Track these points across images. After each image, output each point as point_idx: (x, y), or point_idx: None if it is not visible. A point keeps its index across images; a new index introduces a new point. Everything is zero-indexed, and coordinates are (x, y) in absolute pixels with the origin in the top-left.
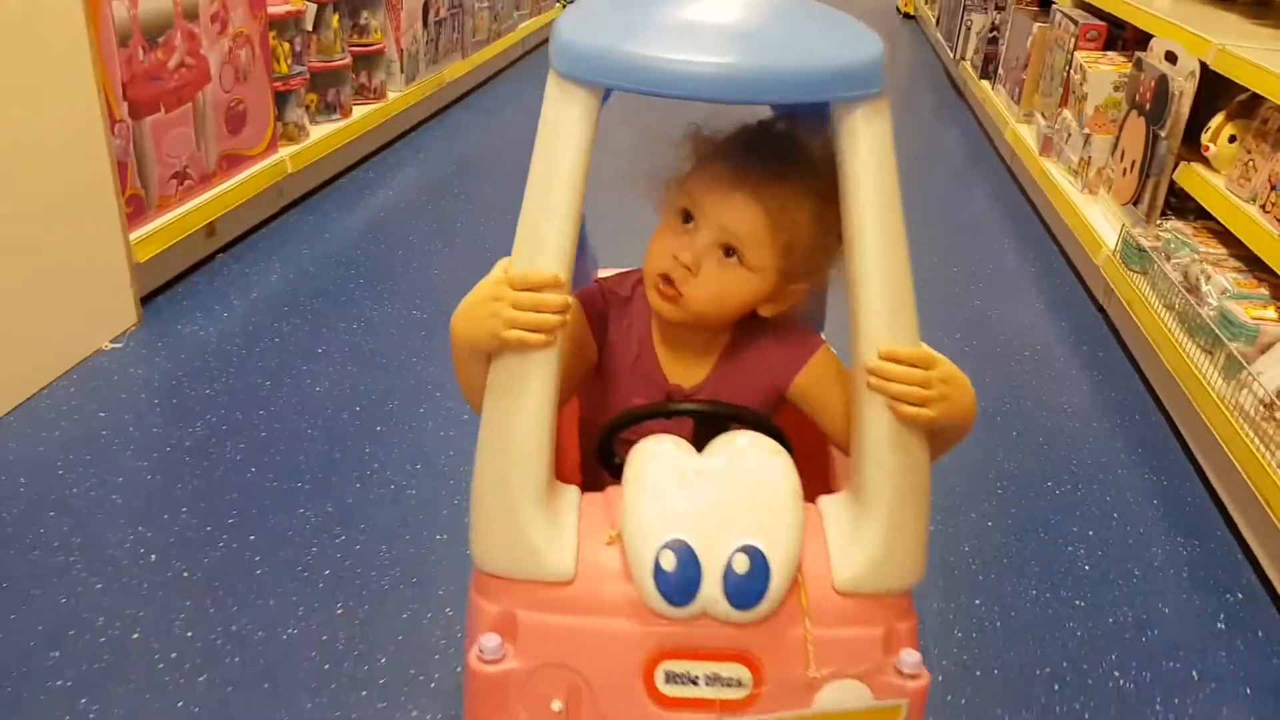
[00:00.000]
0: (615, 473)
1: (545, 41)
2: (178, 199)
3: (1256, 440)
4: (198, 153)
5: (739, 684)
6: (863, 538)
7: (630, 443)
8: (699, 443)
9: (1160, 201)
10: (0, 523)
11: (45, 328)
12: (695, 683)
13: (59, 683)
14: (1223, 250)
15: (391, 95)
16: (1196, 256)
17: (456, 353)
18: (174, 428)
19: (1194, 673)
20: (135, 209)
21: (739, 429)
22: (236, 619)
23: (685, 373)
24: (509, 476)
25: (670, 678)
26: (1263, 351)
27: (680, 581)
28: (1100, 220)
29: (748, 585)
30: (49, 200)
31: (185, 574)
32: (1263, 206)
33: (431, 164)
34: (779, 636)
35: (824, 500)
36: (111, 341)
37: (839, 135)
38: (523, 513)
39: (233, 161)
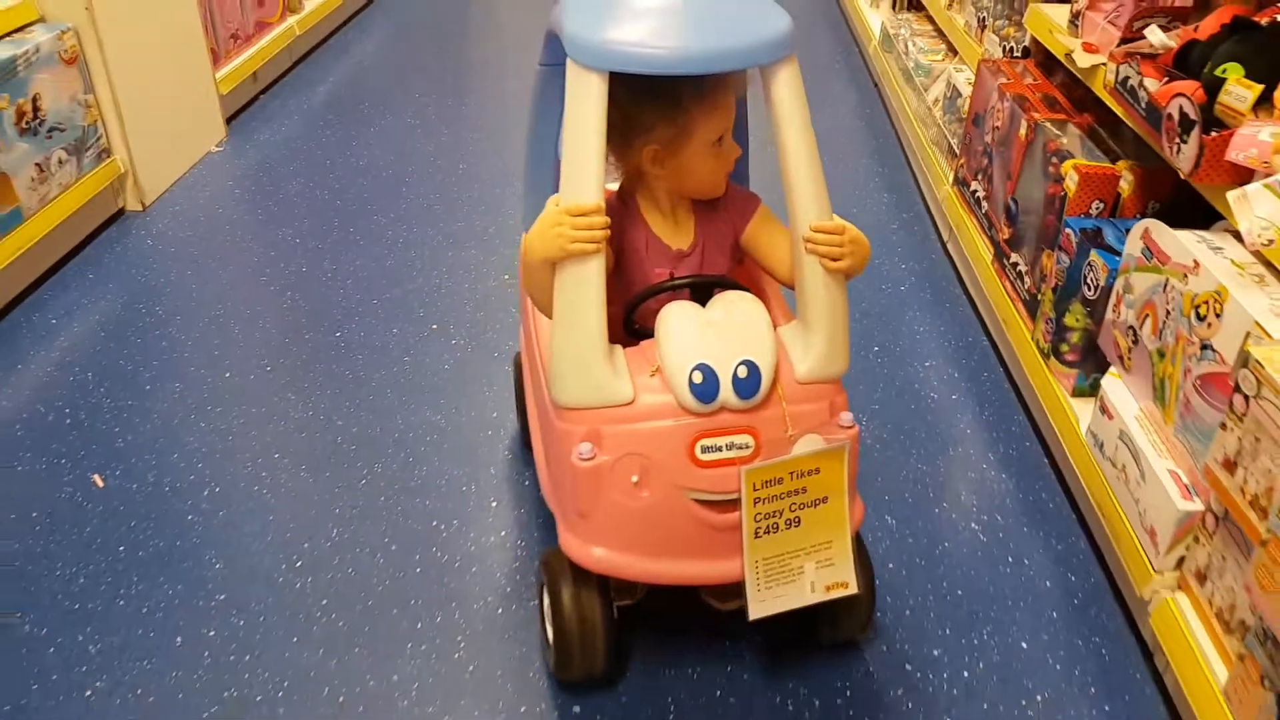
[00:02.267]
0: (635, 335)
1: None
2: (235, 52)
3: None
4: (243, 19)
5: (747, 447)
6: (810, 347)
7: (649, 312)
8: (697, 298)
9: (905, 2)
10: (198, 233)
11: (177, 139)
12: (720, 450)
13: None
14: (929, 27)
15: None
16: (911, 32)
17: (528, 263)
18: (269, 181)
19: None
20: (213, 57)
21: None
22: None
23: (680, 238)
24: (581, 342)
25: (705, 449)
26: (935, 79)
27: (706, 388)
28: (875, 20)
29: (747, 384)
30: (164, 47)
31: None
32: (949, 3)
33: (397, 22)
34: (768, 414)
35: (782, 328)
36: (216, 146)
37: (770, 81)
38: (595, 364)
39: (260, 26)
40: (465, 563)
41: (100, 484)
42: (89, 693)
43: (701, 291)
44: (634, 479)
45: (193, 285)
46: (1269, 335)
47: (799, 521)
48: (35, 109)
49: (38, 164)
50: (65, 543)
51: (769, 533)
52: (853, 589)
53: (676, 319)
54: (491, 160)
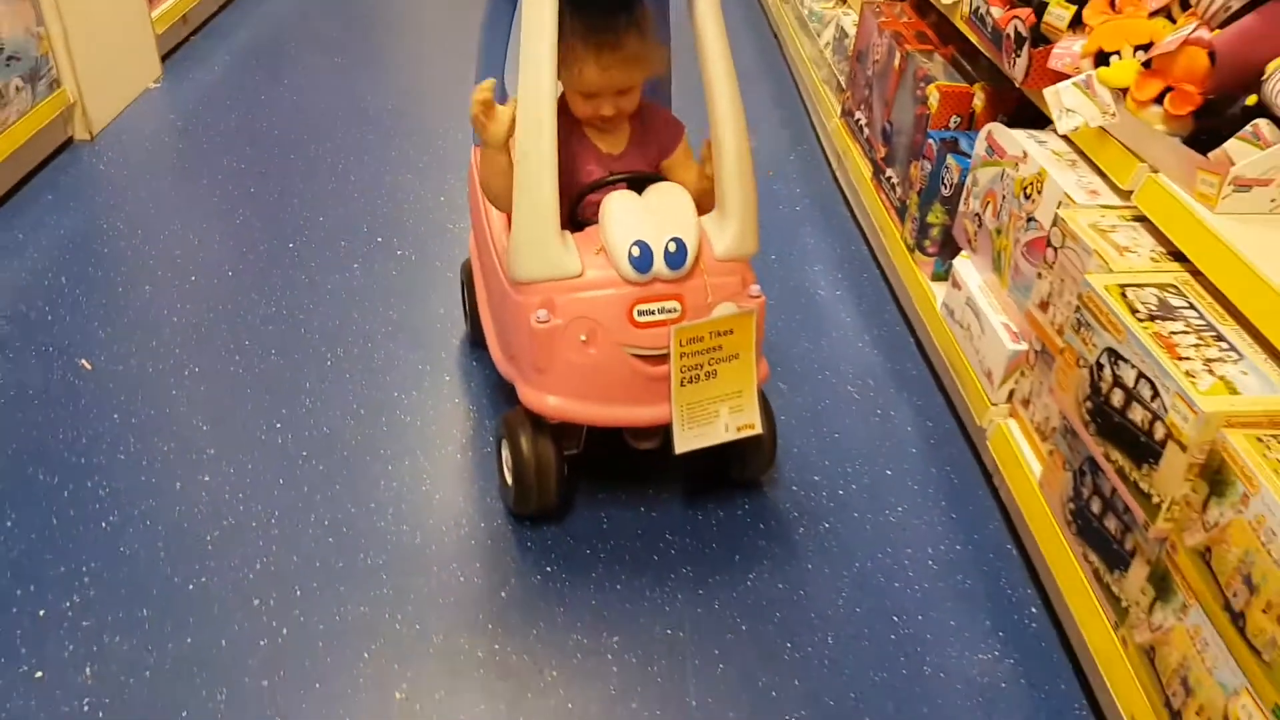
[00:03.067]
0: (578, 226)
1: None
2: None
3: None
4: None
5: (675, 311)
6: (726, 231)
7: (591, 205)
8: (634, 189)
9: None
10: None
11: (119, 74)
12: (654, 314)
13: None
14: None
15: None
16: None
17: (484, 155)
18: (208, 115)
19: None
20: None
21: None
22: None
23: (613, 145)
24: (537, 225)
25: (641, 313)
26: (826, 25)
27: (643, 260)
28: None
29: (676, 258)
30: None
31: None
32: None
33: None
34: (692, 284)
35: (704, 217)
36: (154, 83)
37: (692, 5)
38: (550, 243)
39: None
40: (425, 422)
41: (89, 367)
42: (104, 524)
43: (637, 186)
44: (582, 338)
45: (149, 204)
46: (1074, 202)
47: (716, 374)
48: None
49: None
50: (64, 414)
51: (692, 382)
52: (758, 430)
53: (618, 204)
54: (418, 96)
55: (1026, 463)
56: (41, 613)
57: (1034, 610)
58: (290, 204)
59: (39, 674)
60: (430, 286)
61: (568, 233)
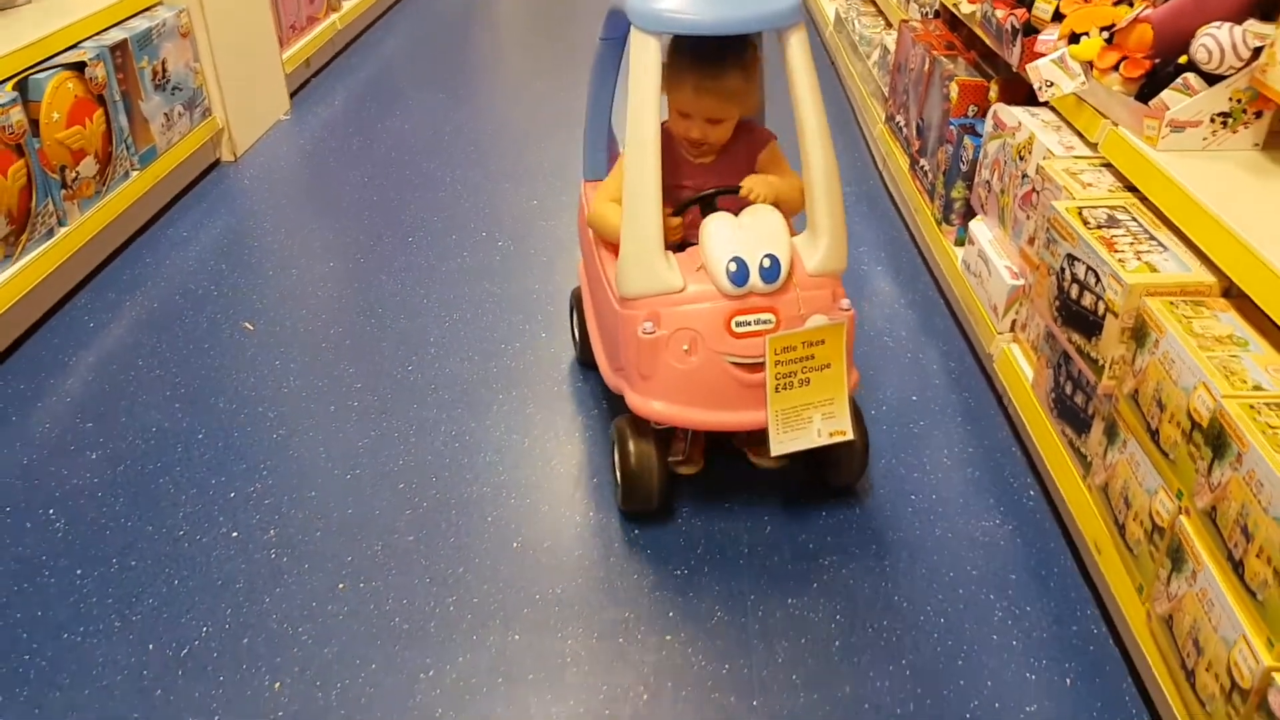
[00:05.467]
0: (677, 248)
1: None
2: (293, 39)
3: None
4: (298, 13)
5: (770, 322)
6: (817, 248)
7: (691, 225)
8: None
9: None
10: (286, 178)
11: (257, 105)
12: (750, 324)
13: None
14: (872, 8)
15: None
16: (857, 13)
17: (598, 224)
18: (333, 141)
19: None
20: (279, 42)
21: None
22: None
23: (703, 156)
24: (644, 247)
25: (738, 324)
26: (874, 48)
27: (740, 274)
28: (830, 8)
29: (770, 272)
30: (247, 30)
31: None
32: None
33: (418, 20)
34: (786, 297)
35: (797, 237)
36: (284, 115)
37: (785, 44)
38: (654, 262)
39: (310, 20)
40: (526, 365)
41: (251, 329)
42: (275, 436)
43: (735, 204)
44: (685, 348)
45: (288, 209)
46: (1054, 155)
47: (809, 381)
48: (164, 70)
49: (165, 114)
50: (235, 361)
51: (786, 389)
52: (850, 436)
53: (716, 224)
54: (509, 122)
55: (1024, 374)
56: (231, 494)
57: (1032, 493)
58: (408, 208)
59: (235, 534)
60: (526, 269)
61: (670, 253)
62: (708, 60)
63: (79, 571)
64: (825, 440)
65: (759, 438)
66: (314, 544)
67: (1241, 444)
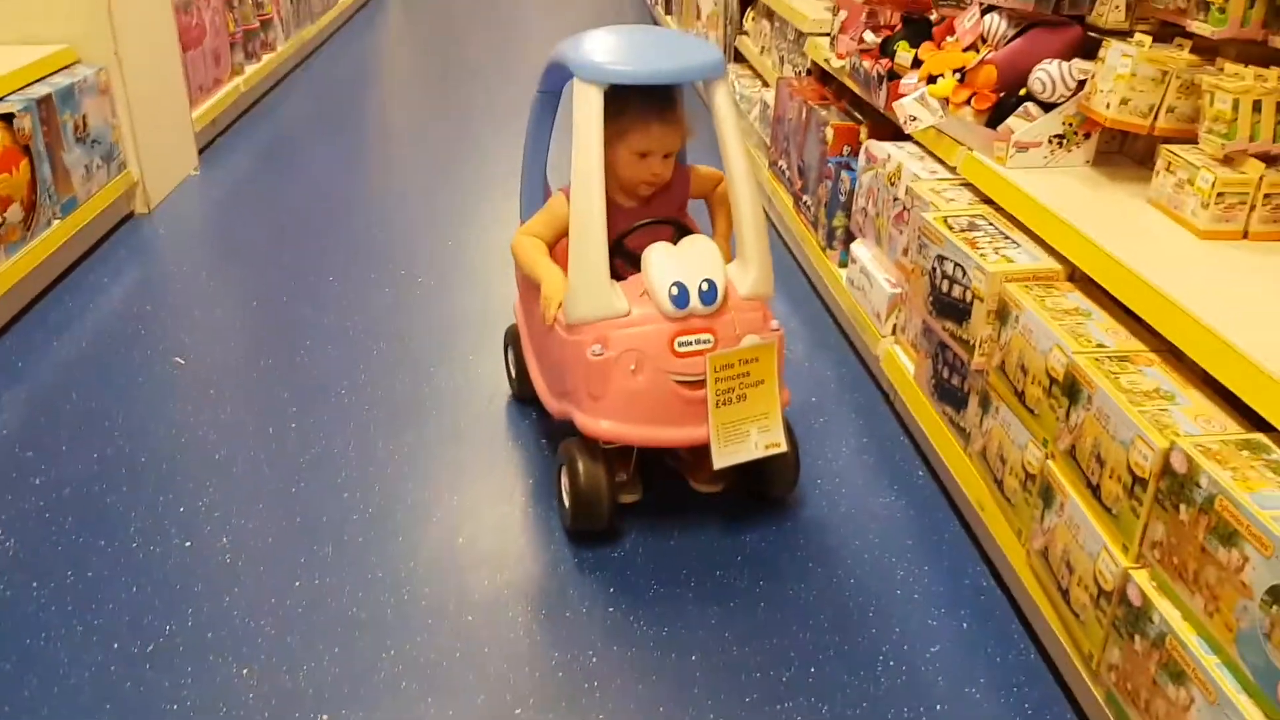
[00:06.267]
0: (616, 274)
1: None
2: (201, 99)
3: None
4: (205, 76)
5: (709, 341)
6: (747, 275)
7: (628, 255)
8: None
9: (732, 56)
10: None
11: (168, 161)
12: (692, 344)
13: None
14: (750, 71)
15: (279, 47)
16: (736, 76)
17: (526, 269)
18: (242, 193)
19: None
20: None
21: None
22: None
23: (630, 200)
24: (591, 274)
25: (681, 344)
26: (753, 105)
27: (681, 297)
28: None
29: (709, 295)
30: (160, 89)
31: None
32: (760, 50)
33: (316, 81)
34: (723, 319)
35: (729, 265)
36: (194, 170)
37: (711, 94)
38: (602, 288)
39: (216, 83)
40: (456, 386)
41: (181, 363)
42: (216, 456)
43: (662, 232)
44: (632, 367)
45: (208, 255)
46: (919, 178)
47: (745, 397)
48: (85, 124)
49: (85, 165)
50: (169, 392)
51: (725, 404)
52: (784, 448)
53: (658, 253)
54: (413, 173)
55: (907, 369)
56: (181, 509)
57: (920, 473)
58: (324, 253)
59: (188, 543)
60: (445, 303)
61: (614, 281)
62: (662, 100)
63: (34, 585)
64: (762, 453)
65: (700, 462)
66: (267, 549)
67: (1091, 387)
